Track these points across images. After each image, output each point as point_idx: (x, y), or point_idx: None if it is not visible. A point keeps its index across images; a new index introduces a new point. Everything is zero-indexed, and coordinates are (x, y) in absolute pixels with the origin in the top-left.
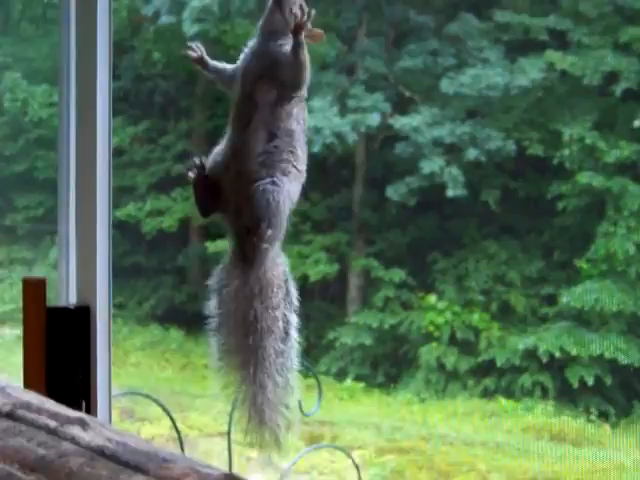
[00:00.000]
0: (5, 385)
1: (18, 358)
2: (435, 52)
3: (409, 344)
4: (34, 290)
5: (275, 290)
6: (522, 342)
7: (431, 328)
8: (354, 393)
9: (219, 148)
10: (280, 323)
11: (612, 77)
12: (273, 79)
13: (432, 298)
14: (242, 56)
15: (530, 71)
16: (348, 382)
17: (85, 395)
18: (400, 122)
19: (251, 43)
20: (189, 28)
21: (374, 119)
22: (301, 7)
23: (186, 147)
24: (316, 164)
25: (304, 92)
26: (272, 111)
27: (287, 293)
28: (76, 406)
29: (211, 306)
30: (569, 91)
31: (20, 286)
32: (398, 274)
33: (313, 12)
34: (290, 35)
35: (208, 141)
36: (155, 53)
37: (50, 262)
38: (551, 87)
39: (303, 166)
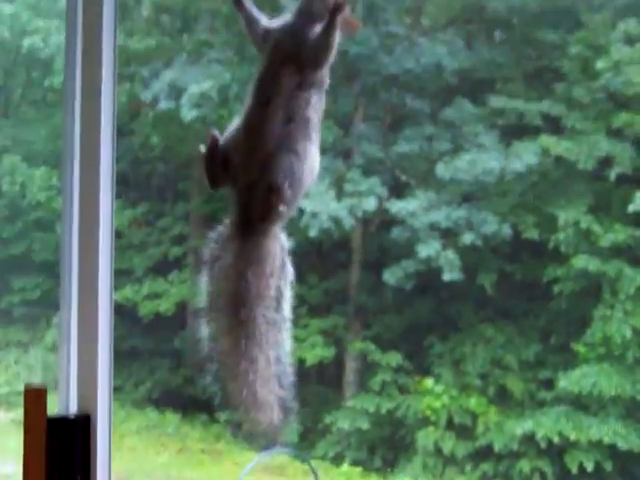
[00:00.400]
0: None
1: (13, 442)
2: (431, 137)
3: (406, 428)
4: (35, 400)
5: (271, 260)
6: (520, 427)
7: (428, 412)
8: (351, 477)
9: (235, 123)
10: (272, 292)
11: (606, 162)
12: (299, 62)
13: (429, 382)
14: (277, 22)
15: (525, 156)
16: (345, 467)
17: None
18: (396, 206)
19: (287, 18)
20: (187, 113)
21: (370, 203)
22: None
23: (183, 230)
24: (313, 248)
25: (326, 81)
26: (293, 95)
27: (283, 265)
28: None
29: (202, 282)
30: (564, 175)
31: (15, 369)
32: (395, 358)
33: None
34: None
35: (206, 224)
36: (153, 137)
37: (46, 345)
38: (546, 172)
39: (318, 150)
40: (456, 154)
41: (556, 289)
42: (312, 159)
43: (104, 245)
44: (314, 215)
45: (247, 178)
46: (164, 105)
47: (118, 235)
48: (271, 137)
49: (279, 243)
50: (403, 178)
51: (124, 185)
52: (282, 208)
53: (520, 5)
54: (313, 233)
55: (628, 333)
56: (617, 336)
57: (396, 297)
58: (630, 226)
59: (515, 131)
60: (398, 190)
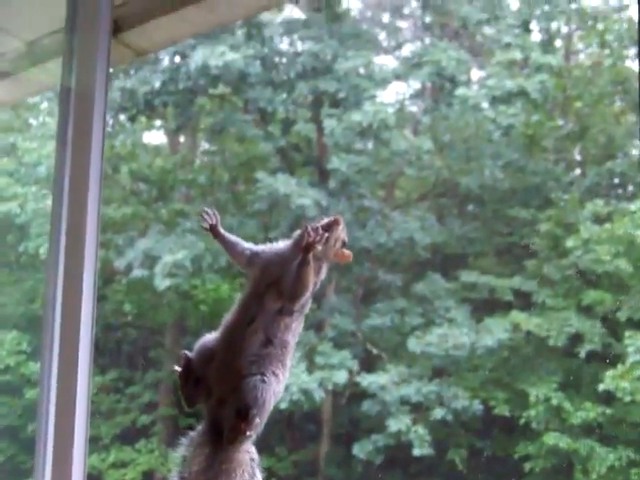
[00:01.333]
0: None
1: None
2: (402, 310)
3: None
4: None
5: (241, 472)
6: None
7: None
8: None
9: (209, 337)
10: None
11: (576, 338)
12: (282, 290)
13: None
14: (270, 247)
15: (496, 331)
16: None
17: None
18: (367, 380)
19: (281, 246)
20: (160, 282)
21: (341, 376)
22: (316, 229)
23: (152, 398)
24: (283, 419)
25: (307, 307)
26: (275, 319)
27: (252, 476)
28: None
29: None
30: (534, 351)
31: None
32: None
33: (325, 236)
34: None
35: (176, 393)
36: (126, 304)
37: None
38: (517, 347)
39: (288, 373)
40: (427, 328)
41: (527, 466)
42: (280, 384)
43: (81, 412)
44: (285, 388)
45: (219, 394)
46: (138, 273)
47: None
48: (248, 358)
49: (249, 455)
50: (374, 351)
51: (95, 351)
52: (249, 434)
53: (491, 182)
54: (283, 405)
55: None
56: None
57: (365, 471)
58: (600, 405)
59: (486, 306)
60: (369, 363)
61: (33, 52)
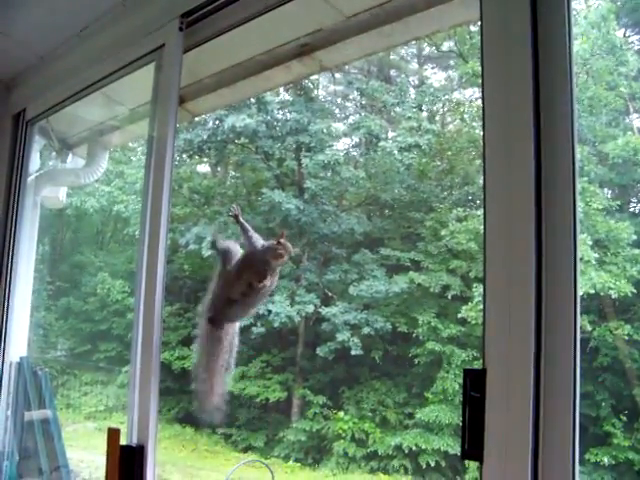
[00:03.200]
0: None
1: (95, 441)
2: (346, 271)
3: (327, 440)
4: (114, 435)
5: (230, 338)
6: (393, 440)
7: (340, 431)
8: (294, 469)
9: (235, 249)
10: (228, 352)
11: (446, 288)
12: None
13: (341, 413)
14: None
15: (400, 283)
16: (291, 462)
17: None
18: (325, 310)
19: (266, 243)
20: (205, 252)
21: (310, 308)
22: (284, 245)
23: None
24: (275, 333)
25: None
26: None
27: (232, 343)
28: None
29: (193, 348)
30: (422, 295)
31: (99, 397)
32: (321, 399)
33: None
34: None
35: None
36: (185, 265)
37: (117, 384)
38: (412, 292)
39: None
40: (360, 281)
41: (416, 360)
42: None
43: (157, 326)
44: (277, 314)
45: (232, 295)
46: (192, 247)
47: (162, 321)
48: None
49: (236, 327)
50: (329, 294)
51: (167, 292)
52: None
53: (398, 197)
54: (276, 324)
55: (456, 387)
56: (450, 389)
57: (323, 363)
58: (458, 325)
59: (394, 269)
60: (326, 301)
61: (133, 115)
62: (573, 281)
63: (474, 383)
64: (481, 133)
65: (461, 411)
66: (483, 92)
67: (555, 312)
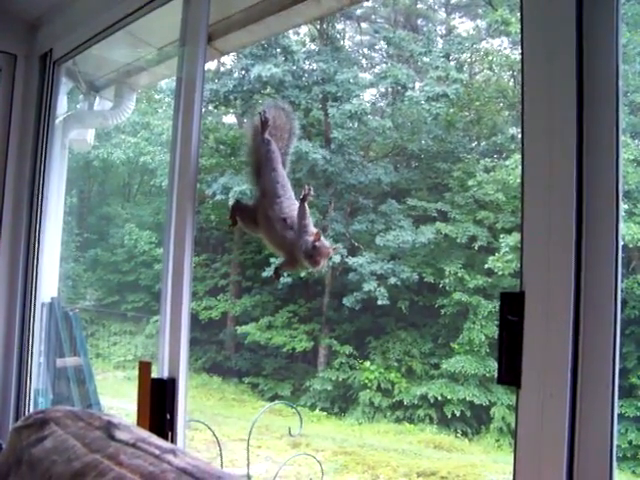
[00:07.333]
0: (130, 425)
1: (125, 389)
2: (373, 221)
3: (353, 390)
4: (145, 368)
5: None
6: (419, 390)
7: (366, 381)
8: (320, 418)
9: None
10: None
11: (472, 238)
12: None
13: (367, 363)
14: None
15: (427, 234)
16: (317, 411)
17: (171, 428)
18: (352, 260)
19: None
20: (232, 202)
21: (337, 258)
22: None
23: (227, 270)
24: (302, 283)
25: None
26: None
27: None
28: (165, 436)
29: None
30: (448, 245)
31: (127, 347)
32: (348, 349)
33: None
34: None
35: (241, 267)
36: (212, 216)
37: (145, 334)
38: (438, 243)
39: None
40: (387, 231)
41: (443, 311)
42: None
43: (186, 277)
44: None
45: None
46: (219, 197)
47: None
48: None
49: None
50: (356, 244)
51: (194, 242)
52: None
53: (425, 147)
54: (302, 274)
55: (482, 338)
56: (476, 340)
57: (350, 313)
58: (485, 276)
59: (421, 219)
60: (353, 251)
61: (161, 55)
62: (615, 201)
63: (511, 307)
64: (510, 83)
65: (497, 336)
66: (522, 34)
67: (595, 231)
